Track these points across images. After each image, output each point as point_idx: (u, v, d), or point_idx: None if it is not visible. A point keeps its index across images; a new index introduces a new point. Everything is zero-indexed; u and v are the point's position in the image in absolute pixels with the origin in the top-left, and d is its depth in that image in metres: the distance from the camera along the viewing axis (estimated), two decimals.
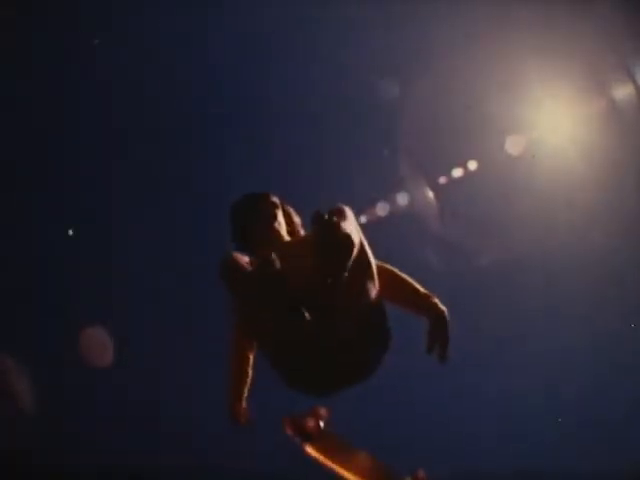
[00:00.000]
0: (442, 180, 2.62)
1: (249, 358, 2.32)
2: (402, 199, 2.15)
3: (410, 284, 2.15)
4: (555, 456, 4.72)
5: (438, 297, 2.03)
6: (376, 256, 2.02)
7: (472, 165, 2.38)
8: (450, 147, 4.11)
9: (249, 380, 2.34)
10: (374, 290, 1.98)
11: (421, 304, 2.10)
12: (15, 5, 4.24)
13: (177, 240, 4.74)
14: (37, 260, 4.74)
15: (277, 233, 2.28)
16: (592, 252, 4.84)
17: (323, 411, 2.42)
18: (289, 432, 2.38)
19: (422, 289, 2.14)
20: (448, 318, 2.08)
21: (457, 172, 2.56)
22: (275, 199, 2.34)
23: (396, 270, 2.16)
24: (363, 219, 2.07)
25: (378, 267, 2.09)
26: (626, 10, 4.03)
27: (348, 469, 2.43)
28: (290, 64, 4.64)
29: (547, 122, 4.50)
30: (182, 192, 4.79)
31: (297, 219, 2.40)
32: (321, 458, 2.41)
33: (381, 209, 1.94)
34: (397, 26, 4.50)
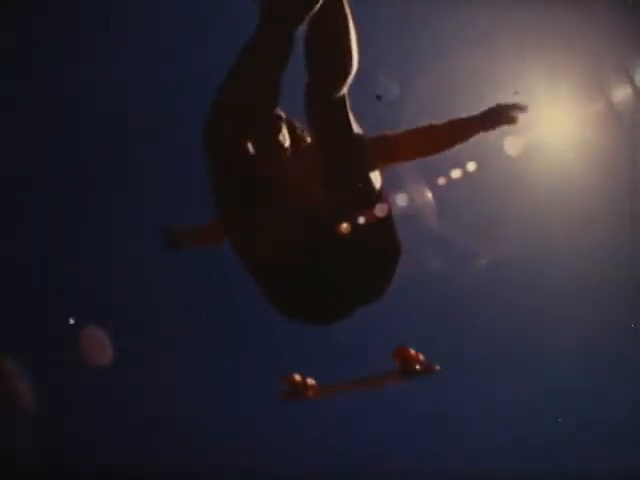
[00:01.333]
0: (441, 181, 2.63)
1: None
2: (401, 200, 2.15)
3: (439, 130, 2.14)
4: (555, 457, 4.72)
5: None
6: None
7: (471, 166, 2.38)
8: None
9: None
10: (378, 194, 1.92)
11: (457, 134, 2.12)
12: (15, 5, 4.24)
13: None
14: (37, 260, 4.74)
15: (280, 146, 2.13)
16: (592, 252, 4.83)
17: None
18: (286, 398, 2.45)
19: (444, 126, 2.13)
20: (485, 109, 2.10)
21: (456, 173, 2.56)
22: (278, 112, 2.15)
23: (414, 129, 2.16)
24: (362, 220, 2.07)
25: (397, 138, 2.11)
26: (626, 10, 4.03)
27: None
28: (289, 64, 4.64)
29: (547, 122, 4.49)
30: (182, 192, 4.79)
31: (301, 132, 2.22)
32: (330, 392, 2.49)
33: (379, 210, 1.94)
34: (397, 26, 4.50)
